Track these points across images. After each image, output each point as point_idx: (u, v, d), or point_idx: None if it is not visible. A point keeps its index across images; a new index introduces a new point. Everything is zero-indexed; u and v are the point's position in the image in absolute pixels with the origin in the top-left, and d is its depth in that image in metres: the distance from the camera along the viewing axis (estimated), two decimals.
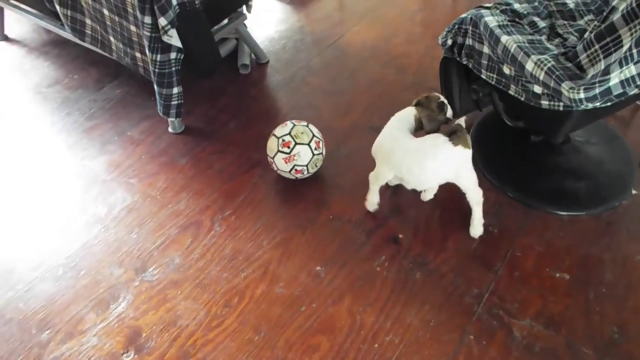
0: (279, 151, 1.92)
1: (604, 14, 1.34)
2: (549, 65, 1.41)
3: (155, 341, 1.60)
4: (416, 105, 1.78)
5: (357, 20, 2.97)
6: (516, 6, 1.72)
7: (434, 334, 1.60)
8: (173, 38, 1.80)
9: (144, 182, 2.09)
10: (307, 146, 1.92)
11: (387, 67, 2.61)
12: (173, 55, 1.91)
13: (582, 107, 1.38)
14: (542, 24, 1.69)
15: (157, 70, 1.92)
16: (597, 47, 1.31)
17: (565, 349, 1.55)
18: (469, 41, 1.75)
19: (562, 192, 1.93)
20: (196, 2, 1.84)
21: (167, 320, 1.65)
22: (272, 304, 1.68)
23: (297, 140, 1.91)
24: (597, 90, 1.32)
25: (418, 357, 1.55)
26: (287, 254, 1.82)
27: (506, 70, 1.59)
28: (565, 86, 1.37)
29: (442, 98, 1.76)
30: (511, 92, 1.65)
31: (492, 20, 1.60)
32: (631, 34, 1.23)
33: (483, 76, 1.74)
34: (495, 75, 1.69)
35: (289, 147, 1.91)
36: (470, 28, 1.71)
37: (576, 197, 1.91)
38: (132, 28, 1.92)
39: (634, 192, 1.92)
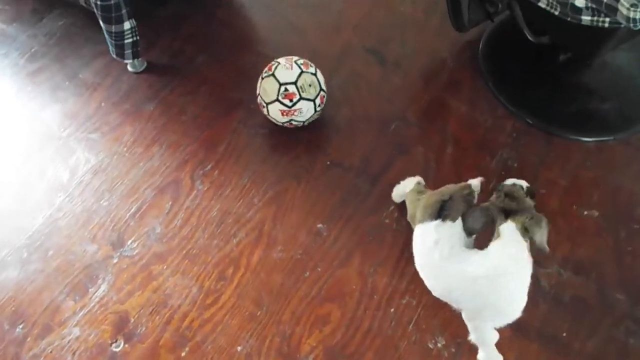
0: (277, 100, 1.60)
1: None
2: None
3: (146, 326, 1.43)
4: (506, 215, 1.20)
5: None
6: None
7: None
8: None
9: (108, 136, 1.79)
10: (312, 102, 1.62)
11: None
12: None
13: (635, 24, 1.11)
14: None
15: (99, 2, 1.53)
16: None
17: (597, 297, 1.42)
18: None
19: (586, 115, 1.70)
20: None
21: (156, 300, 1.46)
22: (272, 271, 1.50)
23: (303, 95, 1.59)
24: None
25: (438, 320, 1.41)
26: (282, 211, 1.61)
27: None
28: (625, 3, 1.08)
29: (519, 182, 1.27)
30: (542, 5, 1.34)
31: None
32: None
33: None
34: None
35: (291, 100, 1.60)
36: None
37: (603, 120, 1.69)
38: None
39: None
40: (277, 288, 1.47)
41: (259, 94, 1.65)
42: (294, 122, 1.65)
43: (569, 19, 1.29)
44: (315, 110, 1.65)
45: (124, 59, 1.78)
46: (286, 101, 1.59)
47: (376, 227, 1.57)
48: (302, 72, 1.61)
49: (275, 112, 1.63)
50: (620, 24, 1.20)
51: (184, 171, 1.70)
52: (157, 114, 1.83)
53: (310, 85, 1.61)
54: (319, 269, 1.50)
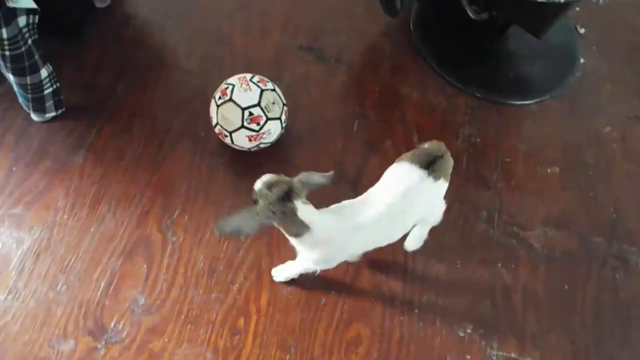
0: (243, 127, 1.43)
1: None
2: None
3: None
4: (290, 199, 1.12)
5: None
6: None
7: (465, 276, 1.48)
8: None
9: (36, 206, 1.47)
10: (278, 121, 1.48)
11: None
12: (23, 21, 1.20)
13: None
14: None
15: (7, 52, 1.20)
16: None
17: (580, 246, 1.56)
18: None
19: (522, 80, 1.82)
20: None
21: None
22: (287, 309, 1.39)
23: (269, 115, 1.44)
24: None
25: (460, 307, 1.44)
26: (274, 242, 1.48)
27: None
28: None
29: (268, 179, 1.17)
30: None
31: None
32: None
33: None
34: None
35: (258, 124, 1.44)
36: None
37: (536, 81, 1.82)
38: None
39: (582, 60, 1.89)
40: (298, 325, 1.37)
41: (217, 123, 1.47)
42: (261, 145, 1.51)
43: None
44: (282, 128, 1.52)
45: (45, 113, 1.45)
46: (253, 126, 1.44)
47: None
48: (262, 90, 1.46)
49: (241, 140, 1.47)
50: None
51: (148, 225, 1.47)
52: (90, 165, 1.55)
53: (274, 103, 1.47)
54: (333, 292, 1.42)
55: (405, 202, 1.17)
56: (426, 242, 1.45)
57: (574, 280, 1.50)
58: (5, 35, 1.17)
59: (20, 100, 1.41)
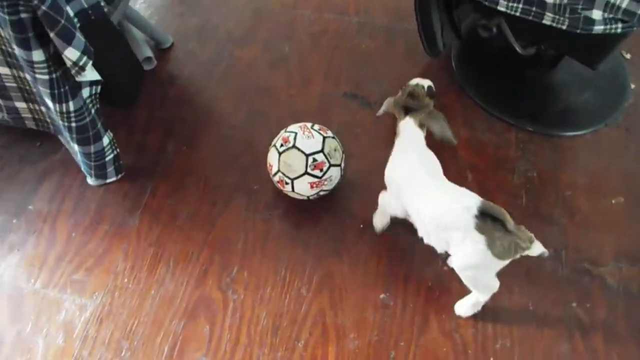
0: (307, 173, 1.43)
1: None
2: None
3: None
4: (406, 111, 1.39)
5: None
6: None
7: (539, 319, 1.40)
8: (87, 72, 1.14)
9: (96, 271, 1.47)
10: (339, 168, 1.49)
11: (323, 11, 2.12)
12: (87, 92, 1.24)
13: None
14: None
15: (74, 124, 1.24)
16: None
17: None
18: None
19: (574, 110, 1.78)
20: (102, 3, 1.17)
21: None
22: None
23: (332, 161, 1.45)
24: None
25: (538, 354, 1.35)
26: (337, 295, 1.44)
27: None
28: None
29: (423, 81, 1.44)
30: (546, 22, 1.36)
31: None
32: None
33: (502, 8, 1.41)
34: (520, 5, 1.37)
35: (321, 170, 1.44)
36: None
37: (588, 110, 1.78)
38: (4, 70, 1.19)
39: (632, 86, 1.85)
40: None
41: (278, 171, 1.46)
42: (322, 193, 1.50)
43: (578, 30, 1.33)
44: (341, 175, 1.51)
45: (106, 178, 1.47)
46: (316, 172, 1.43)
47: (437, 278, 1.47)
48: (324, 137, 1.47)
49: (302, 187, 1.46)
50: (633, 28, 1.26)
51: (208, 284, 1.45)
52: (146, 227, 1.55)
53: (335, 150, 1.47)
54: (402, 344, 1.36)
55: None
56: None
57: None
58: (72, 108, 1.21)
59: (83, 167, 1.44)
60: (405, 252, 1.51)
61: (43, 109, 1.26)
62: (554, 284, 1.45)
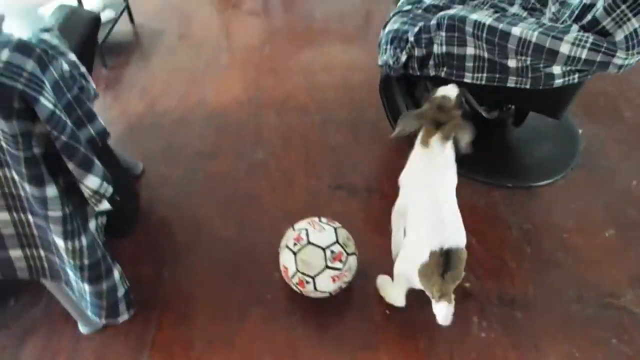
0: (327, 267, 1.38)
1: None
2: (590, 40, 1.31)
3: None
4: (437, 126, 1.32)
5: (202, 79, 2.44)
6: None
7: None
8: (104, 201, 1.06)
9: None
10: (354, 256, 1.46)
11: (284, 114, 2.21)
12: (93, 225, 1.14)
13: (627, 68, 1.33)
14: (513, 8, 1.62)
15: (86, 261, 1.12)
16: (623, 7, 1.26)
17: None
18: (440, 49, 1.53)
19: (541, 160, 1.94)
20: (107, 132, 1.13)
21: None
22: None
23: (348, 250, 1.42)
24: None
25: None
26: None
27: (512, 63, 1.44)
28: (620, 55, 1.29)
29: (450, 91, 1.36)
30: (510, 85, 1.51)
31: (482, 17, 1.41)
32: None
33: (467, 80, 1.55)
34: (485, 74, 1.52)
35: (341, 261, 1.40)
36: (444, 34, 1.49)
37: (553, 159, 1.94)
38: (3, 216, 1.08)
39: (580, 131, 2.05)
40: None
41: (296, 271, 1.39)
42: (343, 286, 1.44)
43: (540, 87, 1.48)
44: (357, 263, 1.48)
45: (117, 317, 1.31)
46: (336, 264, 1.39)
47: (478, 345, 1.42)
48: (335, 228, 1.45)
49: (325, 282, 1.40)
50: (588, 76, 1.43)
51: None
52: None
53: (348, 239, 1.45)
54: None
55: None
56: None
57: None
58: (84, 243, 1.10)
59: (91, 310, 1.27)
60: (440, 326, 1.46)
61: (42, 252, 1.13)
62: (588, 325, 1.46)
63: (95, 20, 1.58)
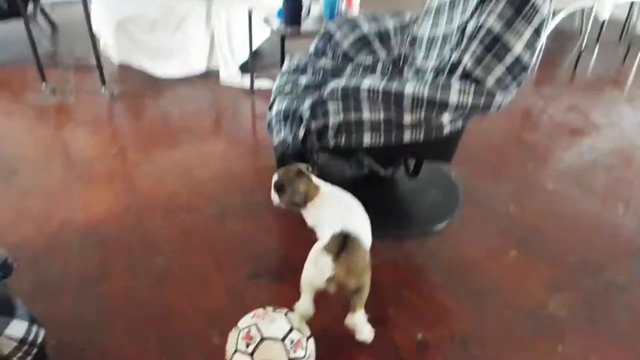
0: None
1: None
2: (473, 88, 1.49)
3: None
4: (279, 190, 1.62)
5: (61, 198, 2.11)
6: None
7: None
8: None
9: None
10: (312, 338, 1.33)
11: (174, 214, 2.02)
12: None
13: (502, 106, 1.56)
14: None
15: None
16: (488, 56, 1.50)
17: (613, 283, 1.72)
18: (337, 118, 1.60)
19: (434, 206, 2.09)
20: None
21: None
22: None
23: (305, 333, 1.31)
24: (514, 84, 1.52)
25: None
26: None
27: (407, 118, 1.55)
28: (500, 96, 1.50)
29: (277, 175, 1.63)
30: (406, 139, 1.63)
31: (376, 81, 1.52)
32: (516, 36, 1.49)
33: (365, 144, 1.63)
34: (382, 135, 1.62)
35: (302, 347, 1.24)
36: (340, 103, 1.56)
37: (442, 202, 2.11)
38: None
39: (453, 173, 2.29)
40: None
41: None
42: None
43: (432, 137, 1.63)
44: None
45: None
46: (299, 353, 1.24)
47: None
48: (285, 313, 1.32)
49: None
50: (469, 119, 1.64)
51: None
52: None
53: (300, 322, 1.32)
54: None
55: None
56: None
57: None
58: None
59: None
60: None
61: None
62: (534, 338, 1.54)
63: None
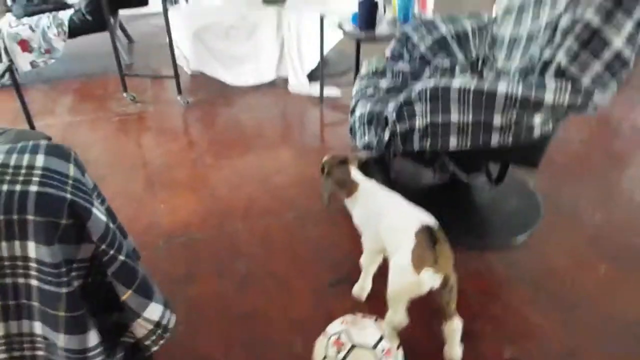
0: None
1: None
2: (570, 87, 1.42)
3: None
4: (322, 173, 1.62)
5: (145, 202, 2.20)
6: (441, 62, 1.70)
7: None
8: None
9: None
10: (401, 348, 1.32)
11: (254, 218, 2.06)
12: None
13: (601, 106, 1.47)
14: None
15: None
16: (585, 52, 1.42)
17: None
18: (423, 121, 1.57)
19: (516, 215, 2.01)
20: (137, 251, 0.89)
21: None
22: None
23: (394, 343, 1.30)
24: (614, 82, 1.44)
25: None
26: None
27: (497, 120, 1.50)
28: (598, 94, 1.42)
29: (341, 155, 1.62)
30: (494, 143, 1.57)
31: (467, 81, 1.48)
32: (616, 30, 1.40)
33: (452, 147, 1.59)
34: (469, 138, 1.57)
35: (393, 357, 1.25)
36: (428, 104, 1.54)
37: (525, 211, 2.03)
38: None
39: (531, 184, 2.19)
40: None
41: None
42: None
43: (521, 141, 1.56)
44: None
45: None
46: None
47: None
48: (375, 320, 1.31)
49: None
50: (560, 122, 1.56)
51: None
52: None
53: (391, 321, 1.31)
54: None
55: None
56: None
57: None
58: None
59: None
60: None
61: None
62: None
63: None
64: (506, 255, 1.85)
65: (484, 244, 1.86)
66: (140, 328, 0.78)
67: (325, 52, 3.49)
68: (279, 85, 3.49)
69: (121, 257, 0.74)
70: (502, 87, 1.47)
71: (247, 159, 2.57)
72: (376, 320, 1.33)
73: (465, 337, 1.45)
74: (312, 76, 3.44)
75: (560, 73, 1.47)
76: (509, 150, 1.61)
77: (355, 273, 1.77)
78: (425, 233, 1.30)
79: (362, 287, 1.63)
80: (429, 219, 1.35)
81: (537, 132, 1.56)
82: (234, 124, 2.97)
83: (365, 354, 1.23)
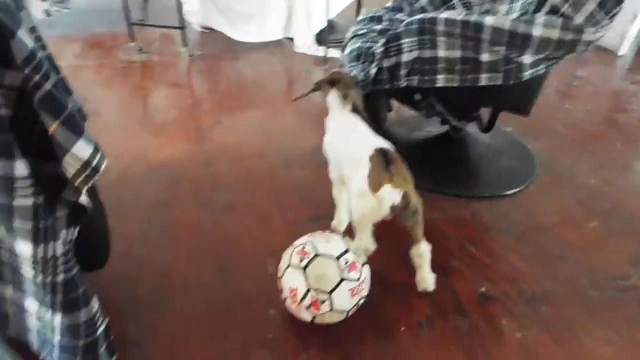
0: (344, 280, 1.19)
1: None
2: (559, 22, 1.38)
3: None
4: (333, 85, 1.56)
5: (137, 138, 2.22)
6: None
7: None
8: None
9: None
10: (368, 266, 1.30)
11: (243, 159, 2.06)
12: (64, 234, 0.84)
13: (591, 46, 1.42)
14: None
15: (62, 276, 0.81)
16: None
17: None
18: (410, 56, 1.54)
19: (506, 172, 1.97)
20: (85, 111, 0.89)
21: None
22: None
23: (360, 260, 1.27)
24: (607, 20, 1.39)
25: None
26: None
27: (485, 57, 1.47)
28: (589, 32, 1.37)
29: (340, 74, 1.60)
30: (482, 83, 1.54)
31: (453, 14, 1.45)
32: None
33: (440, 84, 1.56)
34: (457, 76, 1.54)
35: (357, 270, 1.22)
36: (415, 38, 1.50)
37: (516, 169, 1.98)
38: None
39: (529, 146, 2.15)
40: None
41: (309, 290, 1.19)
42: (361, 302, 1.26)
43: (511, 82, 1.52)
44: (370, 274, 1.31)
45: None
46: (352, 274, 1.22)
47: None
48: (343, 237, 1.30)
49: (343, 299, 1.21)
50: (553, 65, 1.51)
51: None
52: None
53: (357, 247, 1.28)
54: None
55: None
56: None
57: None
58: (59, 251, 0.80)
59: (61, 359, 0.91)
60: (471, 333, 1.30)
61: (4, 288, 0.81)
62: (613, 309, 1.40)
63: None
64: (494, 206, 1.81)
65: (472, 194, 1.83)
66: (69, 167, 0.77)
67: (332, 17, 3.47)
68: (285, 45, 3.48)
69: (47, 86, 0.72)
70: (489, 20, 1.43)
71: (244, 109, 2.56)
72: (344, 237, 1.31)
73: (441, 273, 1.43)
74: (319, 40, 3.41)
75: (553, 12, 1.42)
76: (498, 94, 1.58)
77: (335, 211, 1.76)
78: (379, 156, 1.29)
79: (339, 221, 1.61)
80: (383, 144, 1.34)
81: (527, 73, 1.52)
82: (236, 77, 2.96)
83: (330, 263, 1.22)
